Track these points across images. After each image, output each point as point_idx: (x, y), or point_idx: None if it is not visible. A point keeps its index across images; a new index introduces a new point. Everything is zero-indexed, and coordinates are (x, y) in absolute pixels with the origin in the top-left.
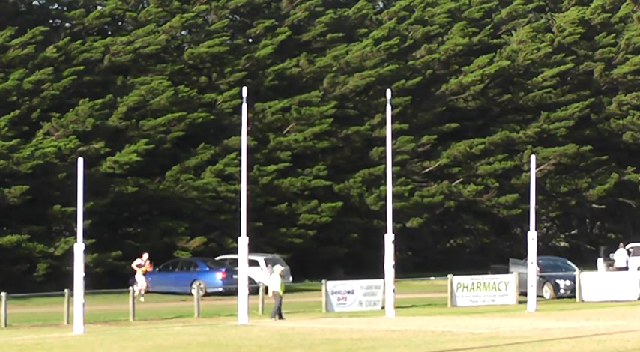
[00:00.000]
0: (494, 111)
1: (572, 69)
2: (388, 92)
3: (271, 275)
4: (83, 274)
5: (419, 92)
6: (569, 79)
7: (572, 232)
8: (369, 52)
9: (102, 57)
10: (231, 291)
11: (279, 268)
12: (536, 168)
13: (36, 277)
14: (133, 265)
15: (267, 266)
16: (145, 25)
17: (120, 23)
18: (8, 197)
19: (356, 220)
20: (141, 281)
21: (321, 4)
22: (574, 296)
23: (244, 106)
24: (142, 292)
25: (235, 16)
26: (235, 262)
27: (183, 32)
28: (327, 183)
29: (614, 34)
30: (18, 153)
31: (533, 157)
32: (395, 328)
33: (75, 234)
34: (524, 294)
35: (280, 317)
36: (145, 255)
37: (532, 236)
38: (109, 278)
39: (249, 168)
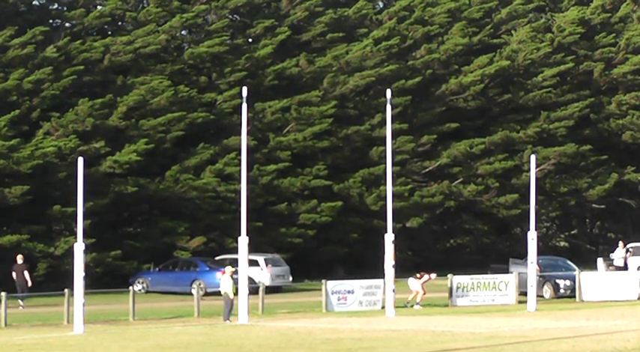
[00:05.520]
0: (494, 111)
1: (572, 69)
2: (388, 92)
3: (222, 277)
4: (83, 274)
5: (419, 92)
6: (569, 78)
7: (572, 232)
8: (369, 52)
9: (102, 57)
10: None
11: (229, 269)
12: (536, 168)
13: (36, 277)
14: (420, 282)
15: (267, 266)
16: (145, 25)
17: (120, 23)
18: (8, 197)
19: (356, 220)
20: (415, 287)
21: (321, 4)
22: (574, 296)
23: (244, 106)
24: (418, 300)
25: (235, 16)
26: (235, 262)
27: (183, 32)
28: (327, 182)
29: (614, 34)
30: (18, 153)
31: (533, 157)
32: (395, 328)
33: (75, 234)
34: (524, 294)
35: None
36: (434, 275)
37: (532, 236)
38: (109, 278)
39: (249, 168)
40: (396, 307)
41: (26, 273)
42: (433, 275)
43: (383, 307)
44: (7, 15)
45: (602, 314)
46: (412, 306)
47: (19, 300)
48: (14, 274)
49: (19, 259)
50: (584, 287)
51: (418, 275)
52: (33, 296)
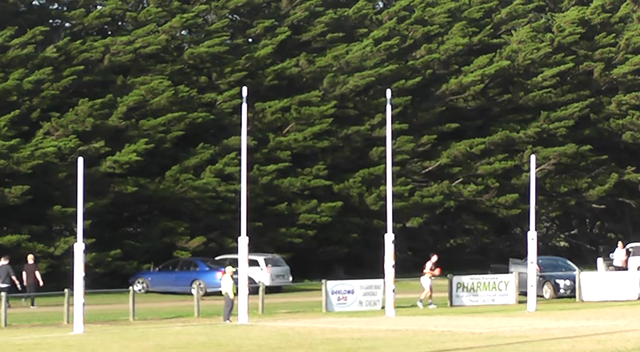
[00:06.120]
0: (494, 111)
1: (572, 69)
2: (388, 92)
3: (223, 277)
4: (83, 274)
5: (419, 92)
6: (569, 78)
7: (572, 232)
8: (369, 52)
9: (102, 57)
10: None
11: (230, 269)
12: (536, 168)
13: None
14: (426, 269)
15: (267, 266)
16: (145, 25)
17: (120, 23)
18: (8, 197)
19: (356, 220)
20: (427, 285)
21: (321, 4)
22: (574, 296)
23: (244, 106)
24: (422, 298)
25: (235, 15)
26: (235, 262)
27: (183, 32)
28: (327, 182)
29: (614, 34)
30: (18, 153)
31: (533, 157)
32: (395, 328)
33: (75, 234)
34: (524, 294)
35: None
36: (434, 257)
37: (532, 236)
38: (109, 278)
39: (249, 168)
40: (397, 307)
41: (37, 273)
42: (434, 258)
43: (383, 307)
44: (7, 15)
45: (602, 314)
46: (430, 304)
47: (27, 300)
48: (24, 274)
49: (30, 259)
50: (584, 287)
51: (424, 270)
52: (32, 296)
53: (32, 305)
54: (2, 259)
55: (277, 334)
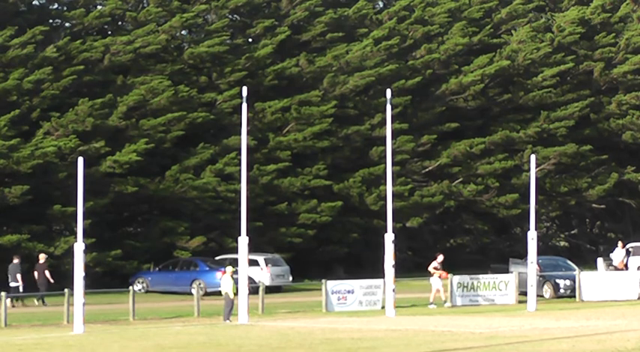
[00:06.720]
0: (494, 111)
1: (572, 69)
2: (388, 92)
3: (223, 277)
4: (83, 274)
5: (419, 92)
6: (569, 78)
7: (572, 232)
8: (369, 51)
9: (102, 57)
10: None
11: (230, 269)
12: (536, 167)
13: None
14: (430, 268)
15: (267, 266)
16: (145, 24)
17: (120, 23)
18: (8, 197)
19: (356, 220)
20: (436, 285)
21: (321, 4)
22: (574, 296)
23: (244, 106)
24: (444, 298)
25: (235, 15)
26: (235, 262)
27: (183, 32)
28: (327, 182)
29: (614, 34)
30: (18, 152)
31: (533, 157)
32: (395, 328)
33: (75, 234)
34: (524, 294)
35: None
36: (440, 257)
37: (532, 236)
38: (109, 278)
39: (249, 168)
40: (397, 307)
41: (47, 272)
42: (440, 258)
43: (383, 307)
44: (7, 15)
45: (602, 314)
46: (430, 304)
47: (39, 299)
48: (36, 273)
49: (42, 259)
50: (584, 287)
51: (429, 269)
52: (33, 296)
53: (44, 303)
54: (14, 259)
55: (277, 334)
